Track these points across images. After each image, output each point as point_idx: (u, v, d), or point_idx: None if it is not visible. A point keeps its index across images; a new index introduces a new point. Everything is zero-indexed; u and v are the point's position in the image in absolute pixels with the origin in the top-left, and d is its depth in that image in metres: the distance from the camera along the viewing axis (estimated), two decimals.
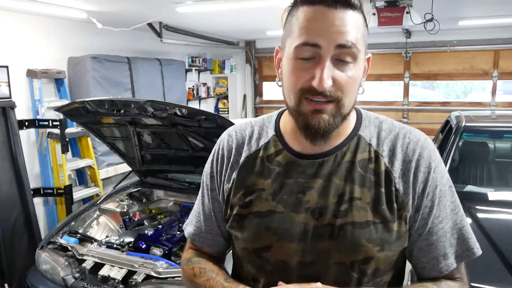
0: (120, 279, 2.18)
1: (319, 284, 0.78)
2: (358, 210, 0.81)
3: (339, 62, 0.77)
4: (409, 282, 1.47)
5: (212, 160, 0.98)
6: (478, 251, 0.87)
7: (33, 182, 3.68)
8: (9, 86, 3.38)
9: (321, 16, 0.76)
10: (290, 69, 0.80)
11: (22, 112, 3.57)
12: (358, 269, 0.82)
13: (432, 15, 3.53)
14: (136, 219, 2.80)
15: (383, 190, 0.82)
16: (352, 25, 0.76)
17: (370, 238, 0.80)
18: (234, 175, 0.92)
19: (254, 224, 0.87)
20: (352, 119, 0.88)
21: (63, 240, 2.55)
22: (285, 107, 0.89)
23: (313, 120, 0.79)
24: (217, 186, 0.96)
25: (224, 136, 0.99)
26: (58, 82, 3.94)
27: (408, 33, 5.88)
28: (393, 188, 0.82)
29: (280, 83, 0.87)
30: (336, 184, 0.83)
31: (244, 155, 0.93)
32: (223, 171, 0.95)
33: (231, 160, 0.93)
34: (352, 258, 0.81)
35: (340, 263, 0.82)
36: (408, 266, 0.94)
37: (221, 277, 0.91)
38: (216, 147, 0.99)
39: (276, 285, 0.81)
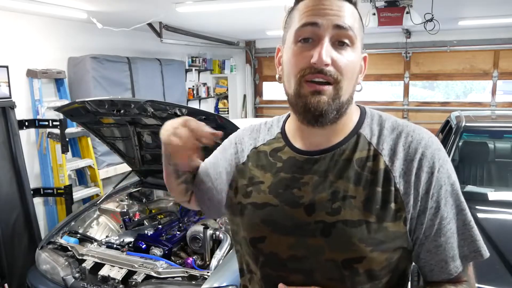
0: (120, 279, 2.18)
1: None
2: (351, 209, 0.80)
3: (337, 45, 0.80)
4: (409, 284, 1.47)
5: (230, 140, 1.05)
6: (486, 253, 0.84)
7: (33, 182, 3.67)
8: (9, 86, 3.38)
9: (320, 3, 0.81)
10: (291, 55, 0.83)
11: (22, 112, 3.57)
12: (350, 267, 0.81)
13: (432, 15, 3.53)
14: (136, 219, 2.81)
15: (379, 189, 0.81)
16: (349, 13, 0.81)
17: (362, 237, 0.79)
18: (241, 164, 0.98)
19: (251, 214, 0.91)
20: (354, 116, 0.89)
21: (63, 240, 2.56)
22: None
23: (312, 100, 0.80)
24: (228, 163, 1.01)
25: (239, 130, 1.06)
26: (58, 82, 3.94)
27: (408, 33, 5.87)
28: (392, 188, 0.80)
29: (280, 80, 0.90)
30: (330, 182, 0.83)
31: (250, 148, 0.99)
32: (234, 155, 1.01)
33: (244, 149, 1.00)
34: (343, 257, 0.80)
35: (331, 260, 0.81)
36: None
37: None
38: (233, 135, 1.06)
39: (271, 278, 0.86)
